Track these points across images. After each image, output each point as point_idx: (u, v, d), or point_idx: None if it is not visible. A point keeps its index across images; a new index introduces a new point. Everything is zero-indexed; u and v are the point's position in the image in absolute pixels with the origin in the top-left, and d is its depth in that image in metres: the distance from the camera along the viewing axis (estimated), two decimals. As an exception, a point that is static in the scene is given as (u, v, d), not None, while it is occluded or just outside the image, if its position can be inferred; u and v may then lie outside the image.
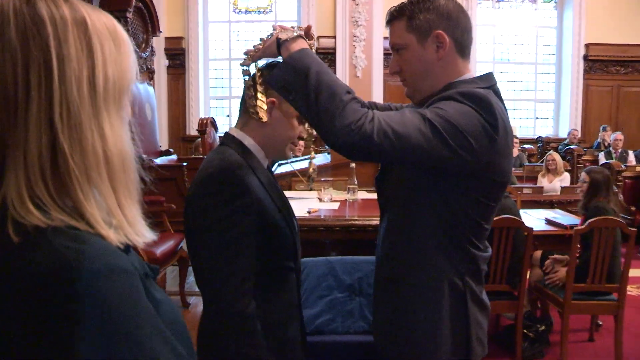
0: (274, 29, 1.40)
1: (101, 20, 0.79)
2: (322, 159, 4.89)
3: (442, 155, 1.31)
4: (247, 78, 1.48)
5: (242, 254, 1.37)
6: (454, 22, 1.45)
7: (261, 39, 1.43)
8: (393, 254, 1.56)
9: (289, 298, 1.55)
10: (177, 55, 9.76)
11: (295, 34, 1.36)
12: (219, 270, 1.36)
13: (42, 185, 0.72)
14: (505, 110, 1.45)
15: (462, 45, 1.48)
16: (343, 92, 1.28)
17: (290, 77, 1.29)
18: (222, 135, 1.63)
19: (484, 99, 1.35)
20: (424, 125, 1.29)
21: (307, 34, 1.42)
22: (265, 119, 1.46)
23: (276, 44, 1.36)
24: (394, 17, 1.49)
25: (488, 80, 1.48)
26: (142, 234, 0.80)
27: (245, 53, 1.46)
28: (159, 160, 5.74)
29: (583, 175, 3.90)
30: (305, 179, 3.44)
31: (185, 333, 0.88)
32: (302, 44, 1.34)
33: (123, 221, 0.77)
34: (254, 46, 1.44)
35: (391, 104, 1.78)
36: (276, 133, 1.52)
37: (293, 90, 1.29)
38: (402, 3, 1.49)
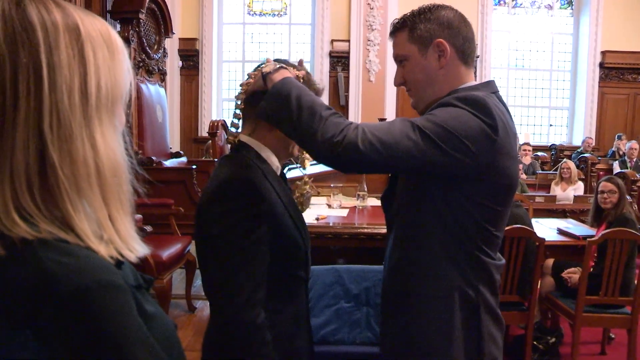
0: (264, 62, 1.45)
1: (95, 27, 0.76)
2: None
3: (437, 161, 1.31)
4: (238, 111, 1.52)
5: (254, 262, 1.34)
6: (455, 30, 1.48)
7: (249, 75, 1.49)
8: (401, 265, 1.53)
9: (298, 308, 1.52)
10: (191, 56, 9.78)
11: (277, 66, 1.40)
12: (231, 278, 1.32)
13: (28, 197, 0.70)
14: (508, 112, 1.45)
15: (464, 54, 1.50)
16: (323, 109, 1.31)
17: (275, 105, 1.33)
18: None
19: (480, 101, 1.36)
20: (412, 132, 1.30)
21: (300, 65, 1.52)
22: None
23: (262, 78, 1.40)
24: (396, 28, 1.54)
25: (490, 87, 1.50)
26: (134, 249, 0.78)
27: (241, 85, 1.50)
28: (168, 163, 5.73)
29: (608, 186, 3.79)
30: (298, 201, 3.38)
31: (178, 349, 0.86)
32: (284, 73, 1.38)
33: (114, 235, 0.75)
34: (247, 78, 1.49)
35: None
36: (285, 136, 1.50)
37: (278, 116, 1.33)
38: (404, 15, 1.53)
